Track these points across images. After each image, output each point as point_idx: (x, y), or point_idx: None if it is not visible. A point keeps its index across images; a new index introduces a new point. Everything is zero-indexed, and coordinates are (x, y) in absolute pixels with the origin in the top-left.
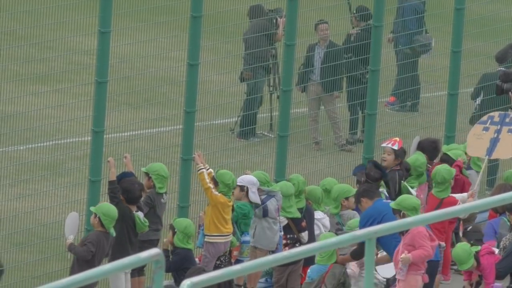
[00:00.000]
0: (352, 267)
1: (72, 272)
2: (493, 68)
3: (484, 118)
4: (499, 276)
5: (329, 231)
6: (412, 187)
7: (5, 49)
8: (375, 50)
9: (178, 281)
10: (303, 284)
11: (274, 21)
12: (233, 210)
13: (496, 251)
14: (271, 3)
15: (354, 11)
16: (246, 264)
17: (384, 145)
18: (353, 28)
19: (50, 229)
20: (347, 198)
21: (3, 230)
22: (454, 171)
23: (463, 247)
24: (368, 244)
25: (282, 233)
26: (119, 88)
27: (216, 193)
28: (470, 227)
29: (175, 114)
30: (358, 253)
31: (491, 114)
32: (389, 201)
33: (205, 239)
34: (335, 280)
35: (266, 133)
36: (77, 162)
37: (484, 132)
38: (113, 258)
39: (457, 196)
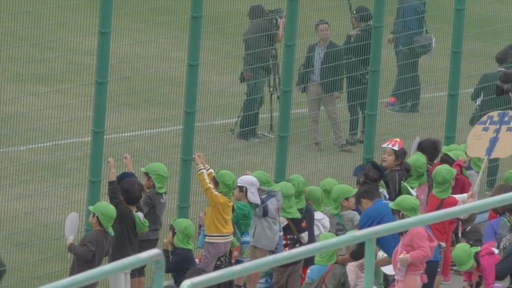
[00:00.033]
0: (351, 266)
1: (72, 272)
2: (493, 68)
3: (484, 118)
4: (499, 277)
5: (329, 231)
6: (412, 188)
7: (5, 50)
8: (375, 50)
9: (178, 281)
10: (303, 284)
11: (274, 21)
12: (233, 210)
13: (496, 251)
14: (271, 3)
15: (354, 12)
16: (246, 264)
17: (384, 145)
18: (353, 28)
19: (50, 229)
20: (347, 199)
21: (3, 231)
22: (454, 171)
23: (462, 248)
24: (368, 245)
25: (282, 233)
26: (119, 88)
27: (216, 193)
28: (469, 227)
29: (175, 115)
30: (358, 254)
31: (491, 114)
32: (389, 201)
33: (205, 240)
34: (335, 280)
35: (266, 134)
36: (77, 162)
37: (484, 132)
38: (113, 258)
39: (457, 196)
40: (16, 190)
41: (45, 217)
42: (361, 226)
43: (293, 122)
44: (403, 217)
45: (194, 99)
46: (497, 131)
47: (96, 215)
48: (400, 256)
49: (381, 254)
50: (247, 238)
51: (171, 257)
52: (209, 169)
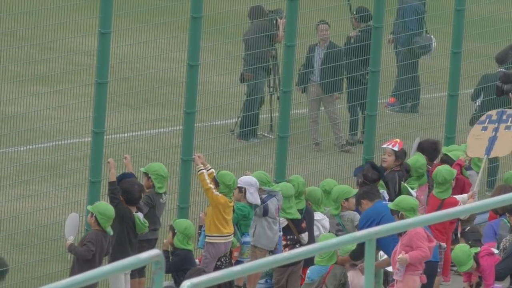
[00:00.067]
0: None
1: (72, 272)
2: (493, 69)
3: (483, 117)
4: (499, 278)
5: (328, 232)
6: (412, 188)
7: (6, 50)
8: (375, 51)
9: (178, 282)
10: (303, 285)
11: (274, 22)
12: (233, 211)
13: (496, 252)
14: (271, 4)
15: (354, 12)
16: (246, 265)
17: (384, 146)
18: (353, 29)
19: (50, 230)
20: (347, 199)
21: (3, 231)
22: (455, 171)
23: (462, 249)
24: (368, 245)
25: (281, 233)
26: (119, 89)
27: (217, 193)
28: (468, 227)
29: (175, 115)
30: (357, 254)
31: (489, 113)
32: (389, 202)
33: (206, 240)
34: (336, 281)
35: (266, 134)
36: (77, 163)
37: (483, 132)
38: (113, 259)
39: (457, 197)
40: (16, 190)
41: (45, 218)
42: (360, 226)
43: (293, 123)
44: (402, 217)
45: (194, 99)
46: (496, 130)
47: (94, 215)
48: (399, 256)
49: (381, 254)
50: (247, 239)
51: (171, 257)
52: (210, 169)
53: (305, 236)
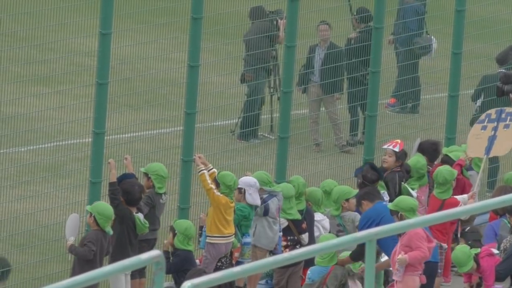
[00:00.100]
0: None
1: (73, 273)
2: (493, 69)
3: (482, 116)
4: (499, 278)
5: (329, 232)
6: (412, 189)
7: (6, 51)
8: (375, 51)
9: (178, 282)
10: (303, 285)
11: (275, 22)
12: (234, 211)
13: (496, 252)
14: (271, 4)
15: (355, 13)
16: (247, 266)
17: (385, 147)
18: (354, 30)
19: (51, 230)
20: (347, 200)
21: (3, 232)
22: (456, 172)
23: (462, 250)
24: (368, 246)
25: (281, 233)
26: (119, 89)
27: (218, 194)
28: (468, 227)
29: (175, 116)
30: (357, 255)
31: (488, 111)
32: (389, 203)
33: (206, 240)
34: (337, 281)
35: (266, 135)
36: (78, 163)
37: (483, 131)
38: (114, 259)
39: (458, 197)
40: (17, 191)
41: (46, 218)
42: (360, 227)
43: (293, 123)
44: (401, 217)
45: (195, 100)
46: (495, 129)
47: (93, 215)
48: (398, 257)
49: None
50: (248, 239)
51: (171, 258)
52: (211, 168)
53: (305, 236)
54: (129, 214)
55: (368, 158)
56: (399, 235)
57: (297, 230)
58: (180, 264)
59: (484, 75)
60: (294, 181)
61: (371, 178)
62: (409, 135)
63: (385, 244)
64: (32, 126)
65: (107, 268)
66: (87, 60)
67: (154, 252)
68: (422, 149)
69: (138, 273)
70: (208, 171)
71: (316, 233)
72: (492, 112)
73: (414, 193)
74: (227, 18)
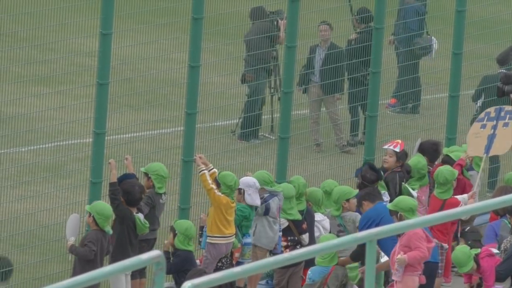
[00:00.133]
0: None
1: (74, 273)
2: (494, 70)
3: (482, 115)
4: (500, 279)
5: (329, 232)
6: (413, 189)
7: (7, 51)
8: (376, 52)
9: (178, 283)
10: (304, 285)
11: (275, 23)
12: (235, 212)
13: (496, 252)
14: (272, 5)
15: (355, 13)
16: (247, 266)
17: (386, 147)
18: (354, 30)
19: (51, 231)
20: (347, 200)
21: (4, 232)
22: (456, 172)
23: (462, 250)
24: (369, 246)
25: (281, 234)
26: (120, 89)
27: (219, 194)
28: (468, 227)
29: (176, 116)
30: (357, 255)
31: (488, 110)
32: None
33: (207, 240)
34: (337, 281)
35: (267, 135)
36: (79, 163)
37: (482, 129)
38: (114, 259)
39: (458, 197)
40: (17, 191)
41: (46, 219)
42: (360, 227)
43: (294, 124)
44: (401, 218)
45: (195, 100)
46: (494, 127)
47: (92, 215)
48: (397, 257)
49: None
50: (248, 240)
51: (171, 258)
52: (212, 169)
53: (306, 237)
54: (129, 215)
55: (368, 159)
56: (399, 235)
57: (297, 231)
58: (180, 265)
59: (485, 75)
60: (294, 182)
61: (370, 178)
62: (410, 135)
63: (385, 245)
64: (33, 126)
65: (107, 268)
66: (87, 60)
67: (155, 252)
68: (422, 149)
69: (138, 273)
70: (209, 171)
71: (316, 234)
72: (491, 110)
73: (414, 193)
74: (228, 18)
